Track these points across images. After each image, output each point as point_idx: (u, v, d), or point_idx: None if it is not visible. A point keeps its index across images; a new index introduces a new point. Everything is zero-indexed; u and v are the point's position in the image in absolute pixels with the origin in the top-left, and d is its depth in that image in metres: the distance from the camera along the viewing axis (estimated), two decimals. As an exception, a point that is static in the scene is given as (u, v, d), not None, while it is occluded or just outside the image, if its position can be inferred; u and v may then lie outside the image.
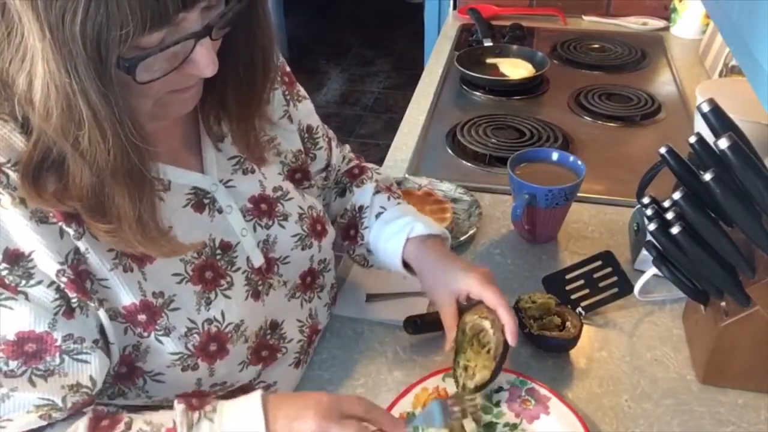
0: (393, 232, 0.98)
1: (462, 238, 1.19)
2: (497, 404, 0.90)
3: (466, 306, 0.92)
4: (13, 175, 0.65)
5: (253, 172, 0.87)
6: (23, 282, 0.66)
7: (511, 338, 0.86)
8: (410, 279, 1.01)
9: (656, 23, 2.13)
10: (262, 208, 0.87)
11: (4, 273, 0.65)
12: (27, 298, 0.66)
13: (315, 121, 1.00)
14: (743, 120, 0.88)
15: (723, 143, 0.74)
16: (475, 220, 1.24)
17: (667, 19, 2.12)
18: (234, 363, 0.83)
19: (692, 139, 0.84)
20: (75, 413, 0.72)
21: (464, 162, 1.44)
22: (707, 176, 0.77)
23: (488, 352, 0.87)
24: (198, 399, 0.71)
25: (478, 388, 0.86)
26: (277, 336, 0.90)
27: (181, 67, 0.66)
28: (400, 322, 1.01)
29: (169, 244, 0.73)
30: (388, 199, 1.04)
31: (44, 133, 0.64)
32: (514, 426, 0.88)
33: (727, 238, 0.83)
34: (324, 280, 0.98)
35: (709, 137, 0.82)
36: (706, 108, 0.80)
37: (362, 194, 1.05)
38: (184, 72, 0.67)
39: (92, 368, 0.71)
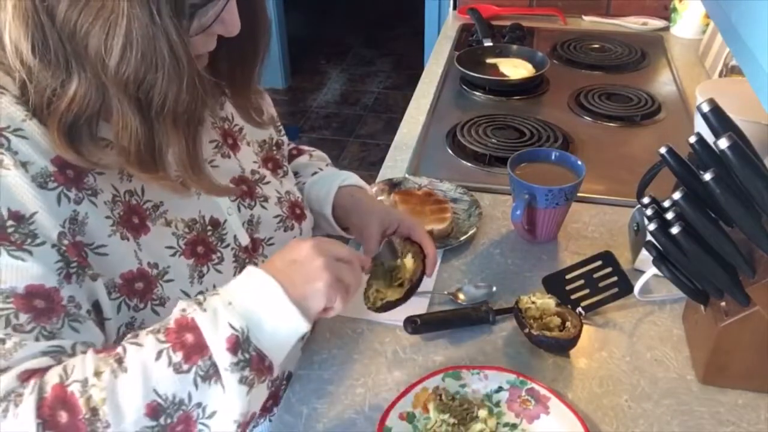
0: (325, 182, 1.07)
1: (462, 238, 1.19)
2: (497, 404, 0.90)
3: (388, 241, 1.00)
4: (15, 140, 0.67)
5: (229, 157, 0.91)
6: (29, 240, 0.67)
7: (429, 270, 0.94)
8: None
9: (656, 23, 2.13)
10: (244, 189, 0.91)
11: (10, 230, 0.66)
12: (33, 255, 0.67)
13: (274, 111, 1.07)
14: (743, 120, 0.88)
15: (723, 143, 0.74)
16: (475, 220, 1.24)
17: (667, 19, 2.12)
18: None
19: (692, 139, 0.84)
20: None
21: (464, 162, 1.44)
22: (707, 176, 0.77)
23: (400, 285, 0.93)
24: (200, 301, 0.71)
25: (388, 305, 0.91)
26: None
27: (211, 27, 0.73)
28: (400, 322, 1.01)
29: (213, 183, 0.79)
30: (326, 165, 1.15)
31: (94, 89, 0.67)
32: (514, 426, 0.88)
33: (727, 238, 0.83)
34: None
35: (709, 137, 0.82)
36: (706, 108, 0.80)
37: (297, 162, 1.13)
38: (212, 32, 0.74)
39: (85, 338, 0.71)
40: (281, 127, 1.08)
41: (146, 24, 0.64)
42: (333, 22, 4.97)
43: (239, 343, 0.67)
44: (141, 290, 0.76)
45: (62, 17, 0.65)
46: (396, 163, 1.45)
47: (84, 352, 0.69)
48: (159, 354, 0.66)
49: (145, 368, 0.65)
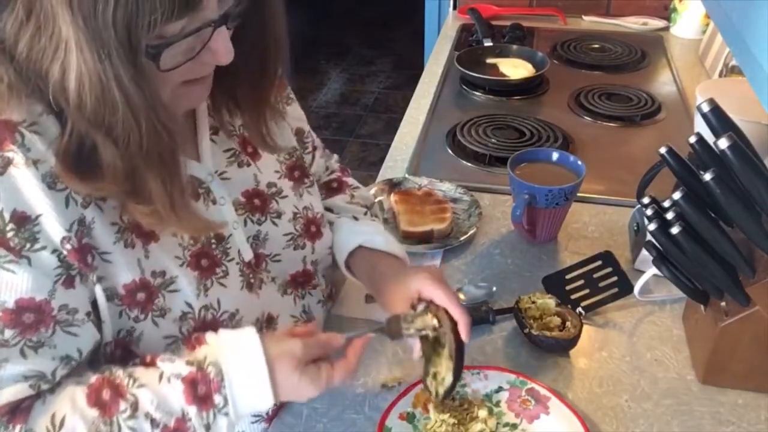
0: (351, 232, 0.98)
1: (462, 238, 1.19)
2: (497, 404, 0.90)
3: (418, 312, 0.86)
4: (29, 136, 0.66)
5: (248, 165, 0.88)
6: (28, 245, 0.67)
7: (464, 335, 0.82)
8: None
9: (656, 23, 2.13)
10: (255, 203, 0.88)
11: (10, 235, 0.66)
12: (30, 263, 0.67)
13: (304, 125, 1.02)
14: (743, 120, 0.88)
15: (723, 143, 0.74)
16: (475, 220, 1.24)
17: (667, 19, 2.12)
18: None
19: (692, 139, 0.84)
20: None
21: (464, 162, 1.44)
22: (707, 176, 0.77)
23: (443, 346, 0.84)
24: (202, 380, 0.71)
25: (447, 393, 0.84)
26: (273, 330, 0.90)
27: (199, 56, 0.68)
28: (400, 322, 1.01)
29: (200, 223, 0.77)
30: (365, 214, 1.05)
31: (77, 122, 0.66)
32: (514, 426, 0.88)
33: (727, 238, 0.83)
34: (318, 279, 0.98)
35: (709, 137, 0.82)
36: (706, 108, 0.80)
37: (335, 202, 1.06)
38: (202, 61, 0.69)
39: (81, 341, 0.72)
40: (308, 143, 1.02)
41: (95, 68, 0.61)
42: (333, 22, 4.96)
43: None
44: (143, 301, 0.75)
45: (24, 56, 0.64)
46: (396, 163, 1.45)
47: (67, 377, 0.71)
48: None
49: None
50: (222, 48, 0.69)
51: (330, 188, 1.09)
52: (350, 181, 1.11)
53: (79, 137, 0.67)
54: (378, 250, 0.95)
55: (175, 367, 0.72)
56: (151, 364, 0.74)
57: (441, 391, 0.84)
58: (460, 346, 0.82)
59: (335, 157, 1.15)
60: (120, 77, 0.62)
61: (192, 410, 0.70)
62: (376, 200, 1.29)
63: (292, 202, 0.92)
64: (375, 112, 3.93)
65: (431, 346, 0.85)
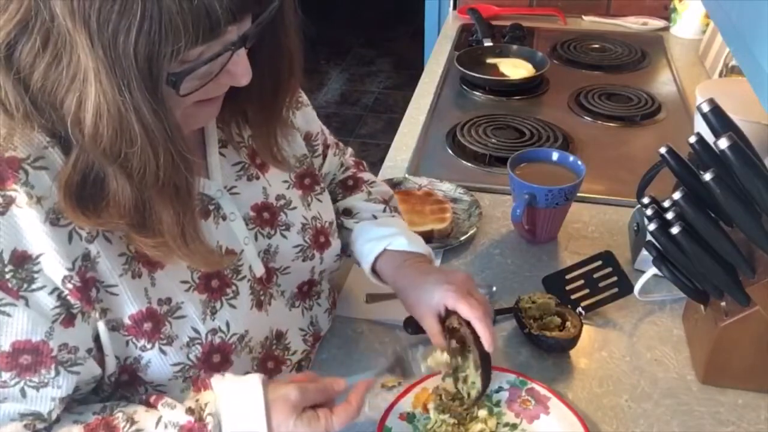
0: (374, 237, 0.96)
1: (462, 238, 1.19)
2: (497, 404, 0.90)
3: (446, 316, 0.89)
4: (32, 172, 0.65)
5: (258, 178, 0.87)
6: (25, 286, 0.65)
7: (487, 347, 0.84)
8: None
9: (656, 23, 2.13)
10: (265, 217, 0.86)
11: (8, 276, 0.65)
12: (27, 303, 0.66)
13: (314, 128, 1.00)
14: (743, 120, 0.88)
15: (723, 143, 0.74)
16: (475, 220, 1.24)
17: (667, 19, 2.12)
18: (239, 375, 0.80)
19: (692, 139, 0.84)
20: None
21: (464, 162, 1.44)
22: (707, 176, 0.77)
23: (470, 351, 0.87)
24: (199, 430, 0.70)
25: (478, 398, 0.87)
26: (282, 346, 0.90)
27: (217, 78, 0.67)
28: (400, 322, 1.01)
29: (211, 256, 0.74)
30: (384, 210, 1.03)
31: (86, 153, 0.64)
32: (514, 426, 0.87)
33: (727, 238, 0.83)
34: (322, 286, 0.98)
35: (709, 137, 0.82)
36: (706, 108, 0.80)
37: (352, 202, 1.04)
38: (220, 82, 0.68)
39: (82, 379, 0.71)
40: (317, 145, 0.99)
41: (114, 100, 0.59)
42: (333, 22, 4.96)
43: None
44: (149, 331, 0.73)
45: (39, 85, 0.62)
46: (396, 163, 1.45)
47: (66, 411, 0.71)
48: None
49: None
50: (241, 69, 0.68)
51: (346, 186, 1.07)
52: (366, 176, 1.09)
53: (85, 168, 0.65)
54: (402, 251, 0.94)
55: (174, 414, 0.71)
56: (154, 405, 0.73)
57: (473, 393, 0.87)
58: (485, 357, 0.85)
59: (350, 151, 1.13)
60: (140, 109, 0.60)
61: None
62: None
63: (300, 213, 0.91)
64: (375, 112, 3.93)
65: (460, 350, 0.88)
